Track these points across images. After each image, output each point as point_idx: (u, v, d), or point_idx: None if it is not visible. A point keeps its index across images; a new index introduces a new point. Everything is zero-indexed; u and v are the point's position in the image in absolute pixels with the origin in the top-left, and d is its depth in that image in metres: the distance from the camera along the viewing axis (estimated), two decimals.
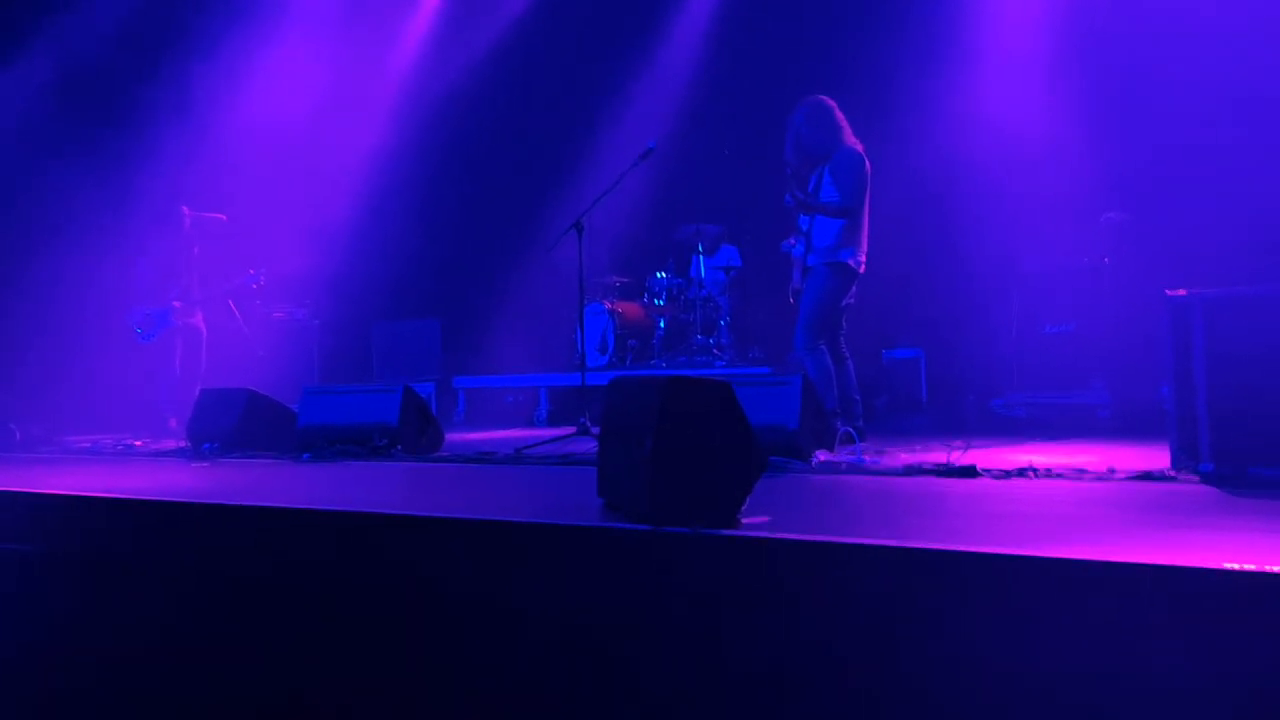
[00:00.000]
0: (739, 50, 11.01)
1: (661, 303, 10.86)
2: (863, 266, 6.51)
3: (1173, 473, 4.08)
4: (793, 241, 6.77)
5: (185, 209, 9.40)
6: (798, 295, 6.67)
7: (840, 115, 6.60)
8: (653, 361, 10.35)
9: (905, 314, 9.89)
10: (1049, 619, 2.36)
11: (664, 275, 10.92)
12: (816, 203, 6.49)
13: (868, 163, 6.50)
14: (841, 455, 5.32)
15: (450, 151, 11.87)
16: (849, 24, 10.08)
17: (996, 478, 4.32)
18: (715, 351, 10.04)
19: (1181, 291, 4.05)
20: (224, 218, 9.49)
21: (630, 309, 10.73)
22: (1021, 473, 4.36)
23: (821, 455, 5.22)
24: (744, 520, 3.08)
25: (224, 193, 9.95)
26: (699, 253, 10.74)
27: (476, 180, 12.16)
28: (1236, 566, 2.20)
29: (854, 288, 6.58)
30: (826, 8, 10.29)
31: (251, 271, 9.39)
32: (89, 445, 7.95)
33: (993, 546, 2.55)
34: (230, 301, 9.60)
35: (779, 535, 2.84)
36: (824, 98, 6.65)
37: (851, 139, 6.57)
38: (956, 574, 2.51)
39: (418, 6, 11.95)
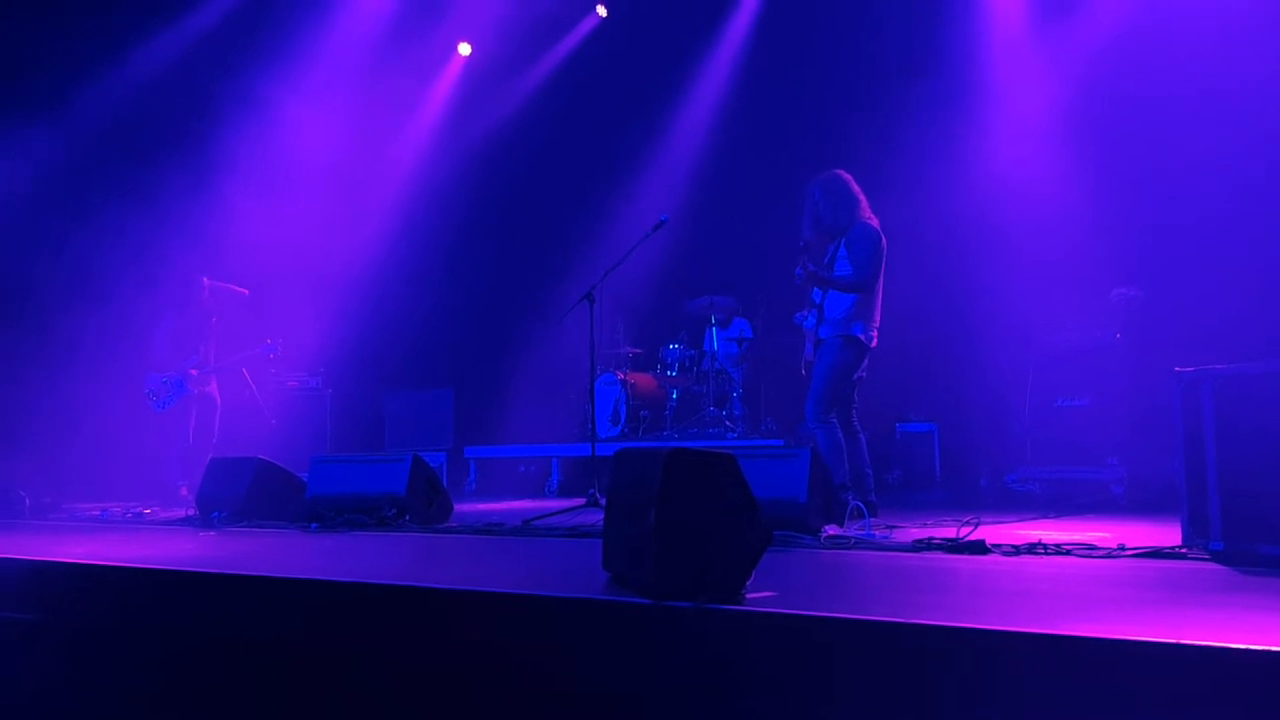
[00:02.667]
0: (752, 124, 11.12)
1: (674, 374, 10.87)
2: (875, 340, 6.50)
3: (1183, 550, 4.04)
4: (805, 313, 6.77)
5: (205, 279, 9.49)
6: (809, 368, 6.65)
7: (858, 189, 6.62)
8: (664, 433, 10.33)
9: (919, 388, 9.88)
10: (1055, 697, 2.33)
11: (677, 346, 10.94)
12: (829, 276, 6.49)
13: (884, 239, 6.51)
14: (850, 530, 5.28)
15: (464, 223, 11.97)
16: (862, 100, 10.18)
17: (1006, 554, 4.29)
18: (728, 423, 10.02)
19: (1191, 368, 4.04)
20: (245, 291, 9.59)
21: (643, 380, 10.73)
22: (1031, 549, 4.33)
23: (830, 529, 5.18)
24: (749, 595, 3.05)
25: (239, 261, 10.04)
26: (712, 325, 10.77)
27: (490, 251, 12.25)
28: (1243, 645, 2.17)
29: (865, 361, 6.57)
30: (839, 84, 10.41)
31: (269, 341, 9.44)
32: (98, 513, 7.94)
33: (999, 624, 2.52)
34: (245, 370, 9.64)
35: (783, 610, 2.81)
36: (841, 172, 6.67)
37: (868, 214, 6.58)
38: (962, 651, 2.48)
39: (433, 82, 12.13)
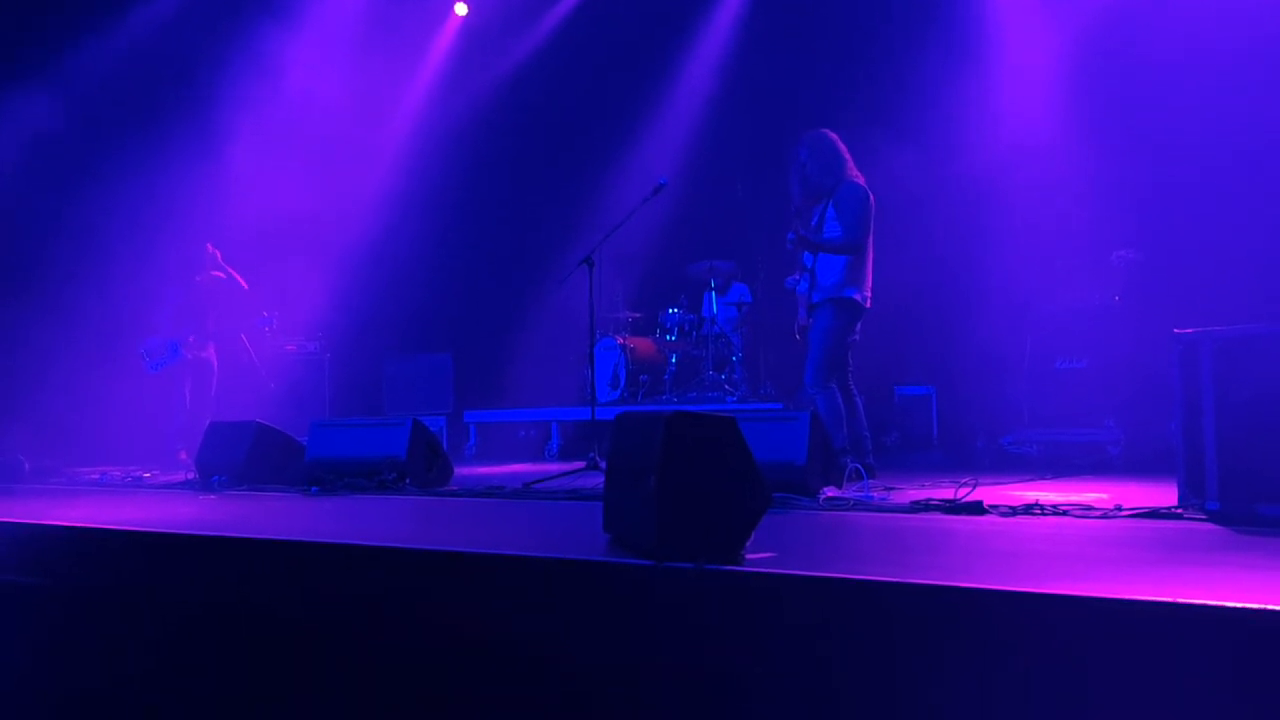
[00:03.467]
0: (751, 86, 11.07)
1: (673, 338, 10.88)
2: (868, 301, 6.48)
3: (1180, 510, 4.06)
4: (797, 277, 6.74)
5: (210, 246, 9.49)
6: (804, 332, 6.64)
7: (843, 148, 6.57)
8: (664, 397, 10.34)
9: (917, 351, 9.89)
10: (1052, 655, 2.35)
11: (676, 311, 10.94)
12: (820, 240, 6.46)
13: (871, 197, 6.47)
14: (849, 492, 5.31)
15: (462, 186, 11.94)
16: (861, 60, 10.13)
17: (1003, 514, 4.31)
18: (727, 387, 10.03)
19: (1190, 330, 4.04)
20: (245, 285, 9.58)
21: (642, 344, 10.74)
22: (1028, 510, 4.35)
23: (829, 491, 5.21)
24: (748, 556, 3.07)
25: (239, 226, 10.02)
26: (711, 289, 10.76)
27: (489, 214, 12.22)
28: (1238, 604, 2.19)
29: (860, 323, 6.56)
30: (839, 44, 10.35)
31: (265, 314, 9.45)
32: (98, 477, 7.96)
33: (997, 583, 2.54)
34: (243, 336, 9.65)
35: (782, 571, 2.83)
36: (826, 131, 6.62)
37: (855, 172, 6.53)
38: (961, 610, 2.50)
39: (430, 44, 12.06)
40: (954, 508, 4.49)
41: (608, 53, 11.70)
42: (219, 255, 9.59)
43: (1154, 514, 4.09)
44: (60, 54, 10.28)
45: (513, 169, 12.20)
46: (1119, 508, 4.26)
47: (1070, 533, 3.78)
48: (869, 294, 6.47)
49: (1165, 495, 4.41)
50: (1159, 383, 5.25)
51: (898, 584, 2.61)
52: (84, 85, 10.32)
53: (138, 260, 10.01)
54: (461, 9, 12.08)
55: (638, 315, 11.31)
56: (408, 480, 6.39)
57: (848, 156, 6.56)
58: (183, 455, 8.81)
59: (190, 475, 7.40)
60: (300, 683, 3.61)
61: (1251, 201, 7.57)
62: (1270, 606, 2.15)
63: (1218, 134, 7.68)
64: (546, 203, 11.98)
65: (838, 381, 6.46)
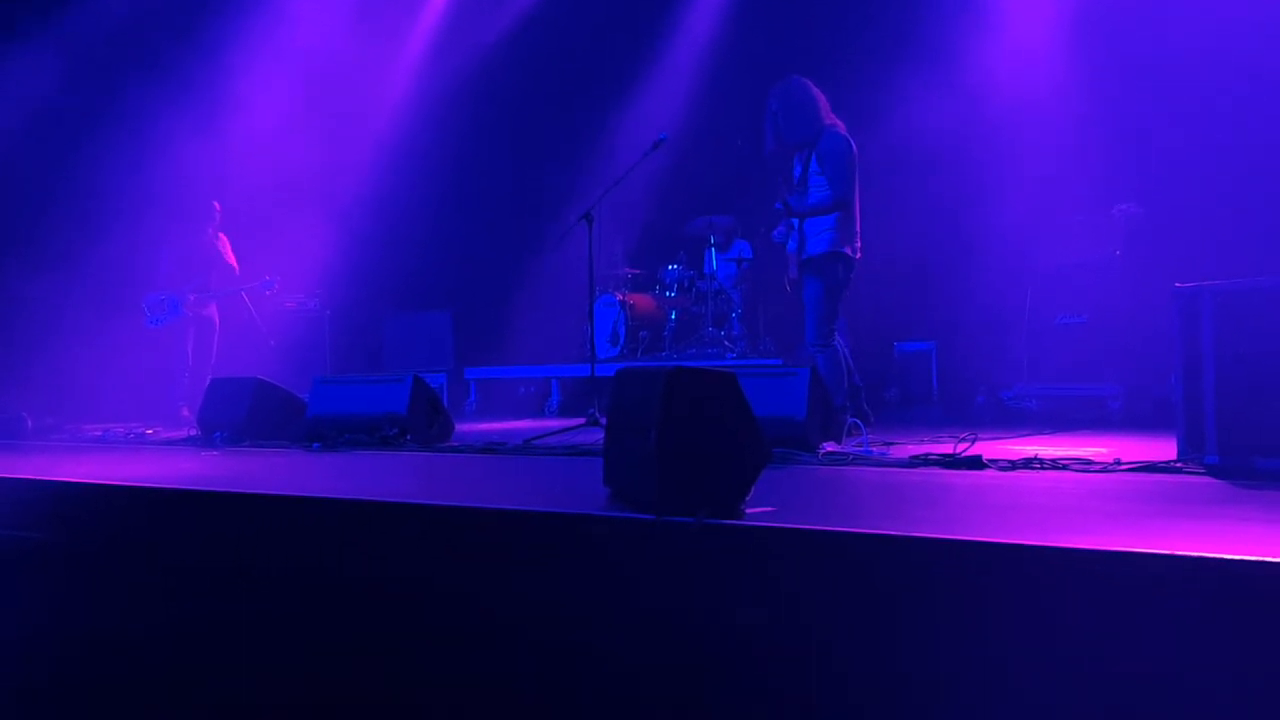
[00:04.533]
0: (751, 40, 10.99)
1: (673, 295, 10.88)
2: (859, 253, 6.42)
3: (1179, 464, 4.07)
4: (784, 231, 6.62)
5: (216, 204, 9.48)
6: (795, 285, 6.58)
7: (817, 92, 6.42)
8: (663, 353, 10.35)
9: (917, 306, 9.90)
10: (1051, 607, 2.37)
11: (676, 267, 10.93)
12: (808, 208, 6.39)
13: (853, 145, 6.36)
14: (848, 446, 5.32)
15: (461, 143, 11.88)
16: (861, 13, 10.06)
17: (1002, 469, 4.32)
18: (726, 343, 10.04)
19: (1190, 284, 4.04)
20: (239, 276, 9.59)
21: (642, 301, 10.73)
22: (1028, 464, 4.36)
23: (828, 447, 5.22)
24: (748, 510, 3.09)
25: (239, 183, 9.99)
26: (711, 245, 10.74)
27: (488, 171, 12.17)
28: (1236, 556, 2.20)
29: (851, 275, 6.50)
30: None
31: (266, 278, 9.45)
32: (100, 434, 7.99)
33: (995, 536, 2.55)
34: (243, 294, 9.64)
35: (781, 524, 2.85)
36: (798, 77, 6.48)
37: (832, 118, 6.40)
38: (958, 563, 2.51)
39: (428, 1, 11.96)
40: (953, 462, 4.50)
41: (607, 8, 11.61)
42: (220, 223, 9.57)
43: (1153, 468, 4.10)
44: (62, 8, 10.20)
45: (512, 125, 12.14)
46: (1118, 461, 4.28)
47: (1069, 486, 3.79)
48: (859, 245, 6.41)
49: (1164, 449, 4.42)
50: (1159, 337, 5.25)
51: (896, 537, 2.63)
52: (81, 37, 10.25)
53: (139, 214, 9.98)
54: None
55: (637, 272, 11.29)
56: (409, 436, 6.40)
57: (823, 101, 6.41)
58: (185, 412, 8.83)
59: (192, 432, 7.42)
60: (301, 637, 3.64)
61: (1253, 155, 7.54)
62: (1267, 558, 2.17)
63: (1220, 88, 7.65)
64: (546, 159, 11.93)
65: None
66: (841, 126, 6.40)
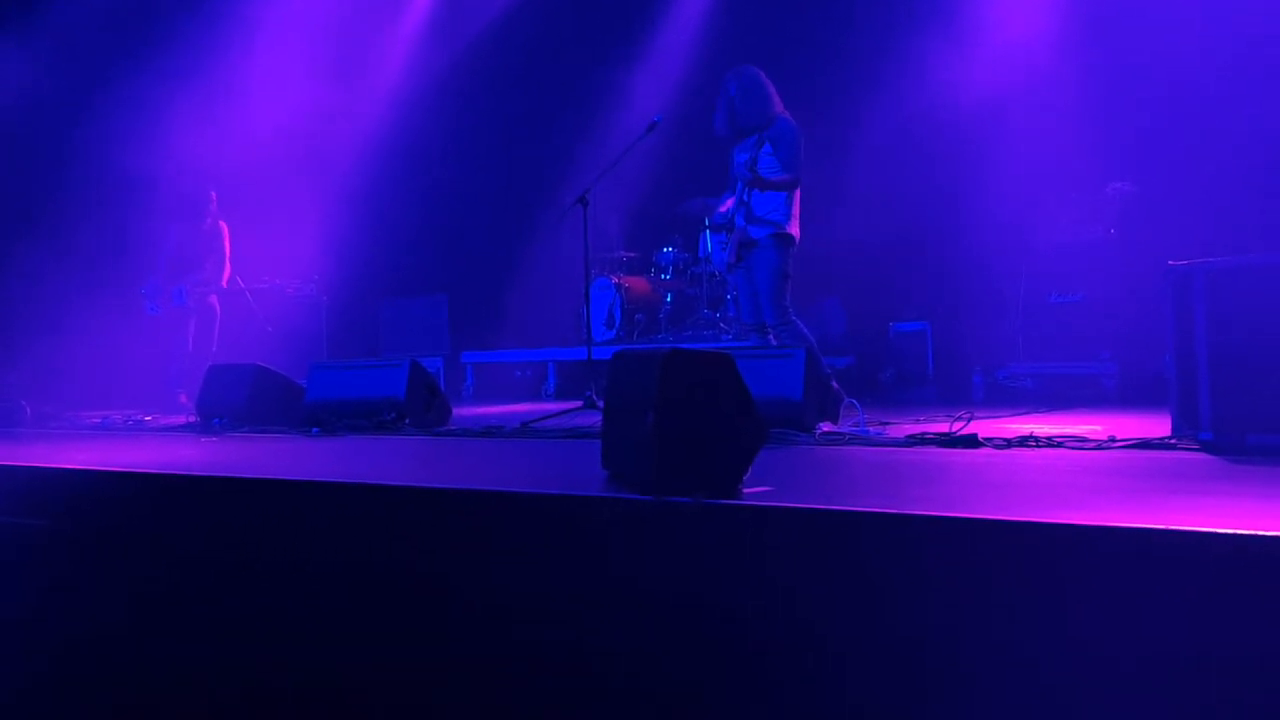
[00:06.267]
0: (743, 22, 10.96)
1: (668, 277, 10.90)
2: (799, 234, 6.60)
3: (1173, 441, 4.10)
4: (726, 211, 6.78)
5: (213, 194, 9.47)
6: (732, 269, 6.70)
7: (770, 84, 6.66)
8: (659, 336, 10.37)
9: (911, 286, 9.89)
10: (1048, 583, 2.39)
11: (671, 250, 10.95)
12: (768, 180, 6.53)
13: (802, 132, 6.59)
14: (845, 426, 5.35)
15: (456, 126, 11.87)
16: None
17: (998, 447, 4.35)
18: (722, 325, 10.06)
19: (1183, 261, 4.06)
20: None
21: (637, 283, 10.75)
22: (1023, 442, 4.39)
23: (825, 427, 5.25)
24: (745, 490, 3.11)
25: (235, 168, 9.97)
26: (706, 228, 10.74)
27: (483, 155, 12.15)
28: (1231, 531, 2.22)
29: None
30: None
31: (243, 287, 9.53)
32: (99, 421, 7.99)
33: (992, 513, 2.57)
34: (240, 280, 9.65)
35: (779, 504, 2.87)
36: (753, 67, 6.72)
37: (781, 107, 6.64)
38: (956, 541, 2.53)
39: None
40: (949, 441, 4.53)
41: None
42: (217, 212, 9.57)
43: (1147, 445, 4.13)
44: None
45: (506, 110, 12.11)
46: (1113, 439, 4.30)
47: (1064, 464, 3.81)
48: (799, 228, 6.62)
49: (1159, 427, 4.45)
50: (1154, 315, 5.27)
51: (893, 515, 2.65)
52: (75, 20, 10.21)
53: (136, 201, 9.97)
54: None
55: (633, 255, 11.31)
56: (407, 420, 6.43)
57: (775, 93, 6.65)
58: (183, 398, 8.83)
59: (191, 418, 7.43)
60: (301, 620, 3.66)
61: (1247, 134, 7.54)
62: (1261, 532, 2.19)
63: (1214, 64, 7.64)
64: (541, 143, 11.92)
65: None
66: (790, 117, 6.61)
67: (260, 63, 10.44)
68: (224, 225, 9.54)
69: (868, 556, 2.65)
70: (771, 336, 6.58)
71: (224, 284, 9.51)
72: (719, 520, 2.90)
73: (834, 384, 6.15)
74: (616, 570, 3.05)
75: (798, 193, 6.60)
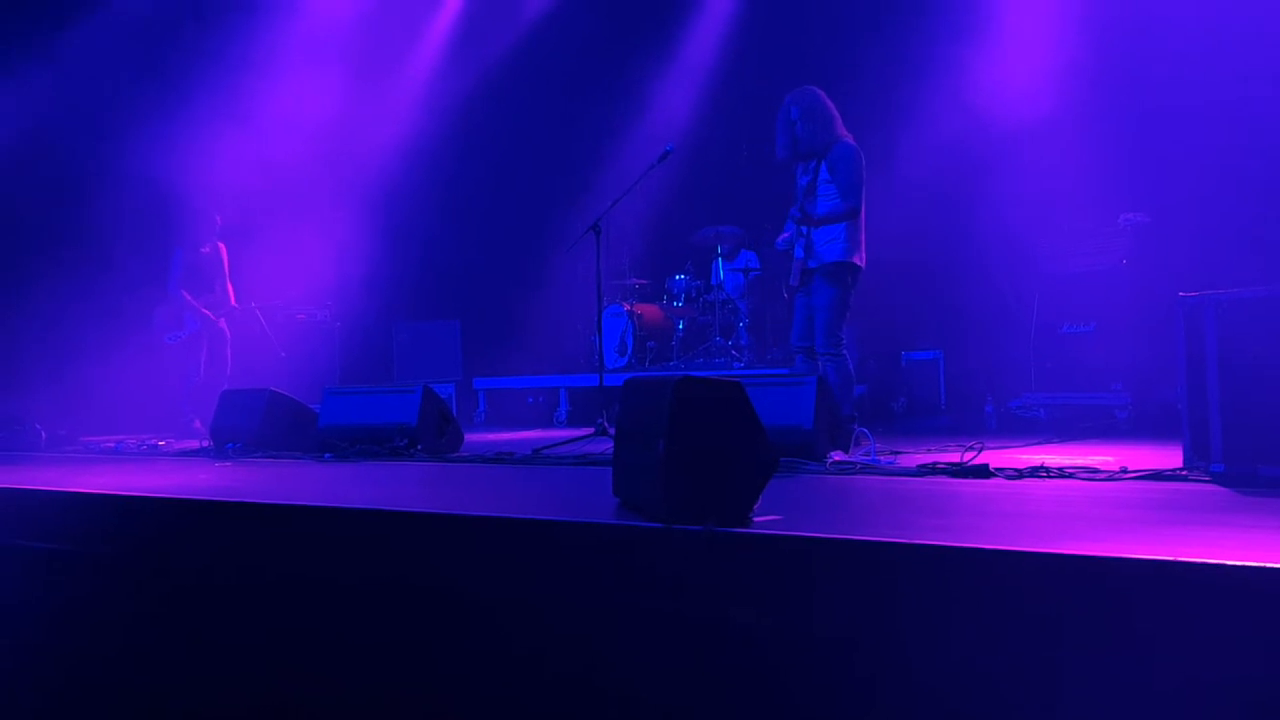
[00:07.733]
0: (757, 52, 11.04)
1: (680, 305, 10.92)
2: (864, 260, 6.50)
3: (1185, 472, 4.09)
4: (788, 238, 6.69)
5: (218, 216, 9.53)
6: (794, 293, 6.64)
7: (831, 105, 6.52)
8: (671, 363, 10.38)
9: (924, 316, 9.91)
10: (1058, 615, 2.39)
11: (683, 277, 10.97)
12: (822, 216, 6.45)
13: (863, 156, 6.46)
14: (856, 455, 5.34)
15: (470, 153, 11.93)
16: (866, 23, 10.09)
17: (1009, 477, 4.34)
18: (734, 353, 10.07)
19: (1194, 293, 4.07)
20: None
21: (649, 311, 10.77)
22: (1034, 472, 4.38)
23: (836, 456, 5.24)
24: (756, 518, 3.11)
25: (246, 194, 10.03)
26: (718, 256, 10.79)
27: (496, 182, 12.22)
28: (1241, 563, 2.22)
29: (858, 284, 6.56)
30: (843, 9, 10.30)
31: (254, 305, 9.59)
32: (113, 445, 8.02)
33: (1002, 544, 2.57)
34: (254, 305, 9.69)
35: (789, 533, 2.87)
36: (814, 88, 6.57)
37: (844, 131, 6.51)
38: (966, 571, 2.53)
39: (437, 11, 12.02)
40: (960, 471, 4.52)
41: (615, 19, 11.67)
42: (223, 249, 9.65)
43: (1159, 476, 4.12)
44: (58, 26, 10.27)
45: (520, 136, 12.18)
46: (1124, 470, 4.29)
47: (1076, 494, 3.81)
48: (865, 254, 6.49)
49: (1171, 458, 4.44)
50: (1166, 346, 5.27)
51: (904, 545, 2.65)
52: (84, 46, 10.30)
53: (148, 227, 10.03)
54: None
55: (645, 282, 11.34)
56: (419, 446, 6.44)
57: (837, 114, 6.51)
58: (197, 424, 8.87)
59: (205, 443, 7.46)
60: (315, 645, 3.67)
61: (1261, 164, 7.55)
62: (1273, 564, 2.19)
63: (1227, 97, 7.66)
64: (554, 170, 11.98)
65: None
66: (852, 139, 6.47)
67: (276, 88, 10.51)
68: (223, 246, 9.60)
69: (879, 586, 2.65)
70: (819, 362, 6.51)
71: (232, 303, 9.56)
72: (729, 548, 2.90)
73: (854, 414, 6.14)
74: (627, 597, 3.05)
75: (862, 220, 6.45)
